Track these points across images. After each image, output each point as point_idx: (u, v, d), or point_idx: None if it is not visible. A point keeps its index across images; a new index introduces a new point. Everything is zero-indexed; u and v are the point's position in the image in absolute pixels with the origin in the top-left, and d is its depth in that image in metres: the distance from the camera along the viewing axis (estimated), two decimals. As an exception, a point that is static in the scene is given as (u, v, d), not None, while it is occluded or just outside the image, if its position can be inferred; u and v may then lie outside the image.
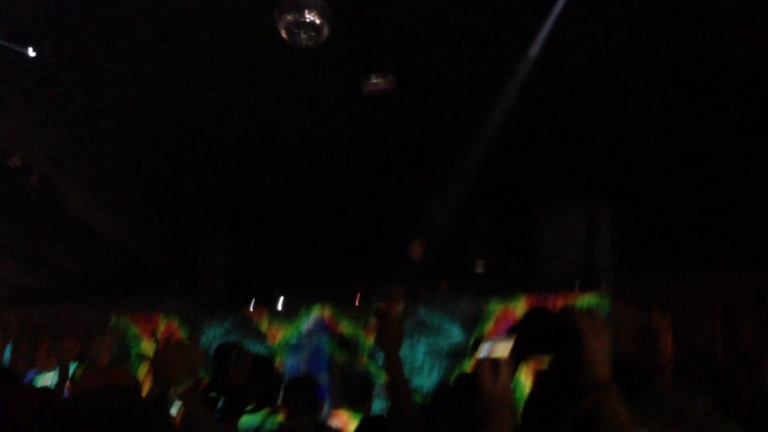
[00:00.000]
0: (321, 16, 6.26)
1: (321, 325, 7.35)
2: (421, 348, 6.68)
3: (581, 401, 1.73)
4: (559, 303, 6.32)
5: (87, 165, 9.09)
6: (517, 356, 1.87)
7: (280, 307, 7.95)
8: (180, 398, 2.68)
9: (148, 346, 8.25)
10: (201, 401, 2.79)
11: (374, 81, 7.20)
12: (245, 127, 8.13)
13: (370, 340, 7.00)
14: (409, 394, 2.67)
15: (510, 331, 1.90)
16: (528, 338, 1.86)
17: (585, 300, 6.24)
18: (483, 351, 1.86)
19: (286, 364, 7.29)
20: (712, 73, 6.60)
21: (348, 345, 7.12)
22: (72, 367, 7.77)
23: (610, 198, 6.86)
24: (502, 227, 8.76)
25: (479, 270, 10.16)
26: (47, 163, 8.99)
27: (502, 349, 1.85)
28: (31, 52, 6.82)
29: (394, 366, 2.68)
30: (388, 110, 7.40)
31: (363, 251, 9.08)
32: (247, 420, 4.15)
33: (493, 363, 1.85)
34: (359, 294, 7.69)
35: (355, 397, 4.49)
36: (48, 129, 8.46)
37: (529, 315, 1.90)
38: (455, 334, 6.62)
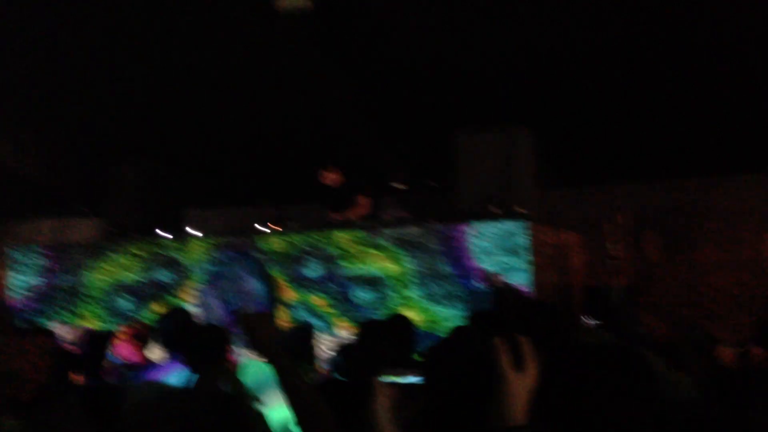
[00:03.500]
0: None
1: (244, 255, 7.04)
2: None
3: None
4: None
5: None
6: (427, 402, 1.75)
7: (193, 234, 7.67)
8: None
9: None
10: None
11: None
12: (154, 45, 7.64)
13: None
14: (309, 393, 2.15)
15: (424, 362, 1.78)
16: (441, 379, 1.72)
17: (504, 225, 6.27)
18: (387, 377, 1.79)
19: (204, 296, 7.07)
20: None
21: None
22: None
23: (527, 122, 6.84)
24: (423, 150, 8.68)
25: (399, 186, 10.14)
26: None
27: (405, 378, 1.77)
28: None
29: (278, 365, 2.18)
30: (304, 30, 7.08)
31: (280, 175, 8.87)
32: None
33: (394, 390, 1.77)
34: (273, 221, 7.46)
35: (295, 352, 4.10)
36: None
37: (438, 349, 1.75)
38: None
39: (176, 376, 3.96)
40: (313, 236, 6.84)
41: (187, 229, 8.08)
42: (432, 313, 6.35)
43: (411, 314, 6.20)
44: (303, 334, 4.45)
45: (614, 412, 1.62)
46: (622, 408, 1.62)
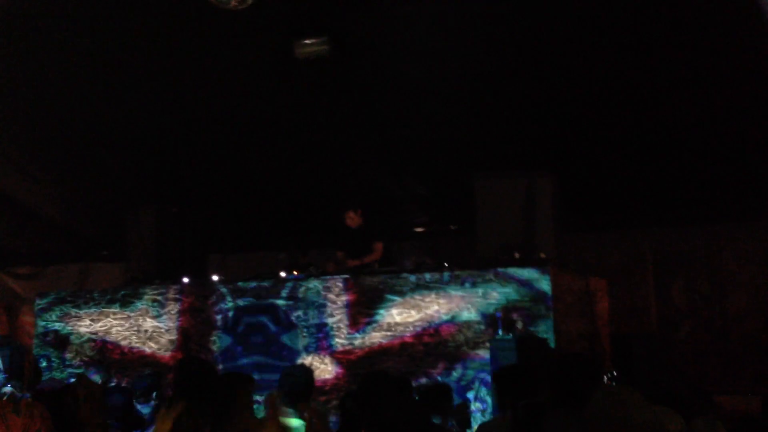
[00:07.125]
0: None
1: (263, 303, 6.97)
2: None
3: None
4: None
5: (5, 132, 8.54)
6: None
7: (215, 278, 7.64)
8: None
9: None
10: None
11: (307, 44, 6.91)
12: (175, 92, 7.74)
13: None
14: None
15: None
16: None
17: (526, 271, 6.17)
18: None
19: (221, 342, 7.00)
20: (644, 51, 6.58)
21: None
22: None
23: (549, 167, 6.78)
24: (443, 194, 8.65)
25: (419, 230, 10.09)
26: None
27: None
28: None
29: None
30: (322, 74, 7.13)
31: (302, 220, 8.87)
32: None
33: None
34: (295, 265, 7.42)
35: (297, 395, 3.99)
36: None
37: None
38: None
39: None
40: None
41: (209, 274, 8.07)
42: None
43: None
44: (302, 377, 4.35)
45: None
46: None
